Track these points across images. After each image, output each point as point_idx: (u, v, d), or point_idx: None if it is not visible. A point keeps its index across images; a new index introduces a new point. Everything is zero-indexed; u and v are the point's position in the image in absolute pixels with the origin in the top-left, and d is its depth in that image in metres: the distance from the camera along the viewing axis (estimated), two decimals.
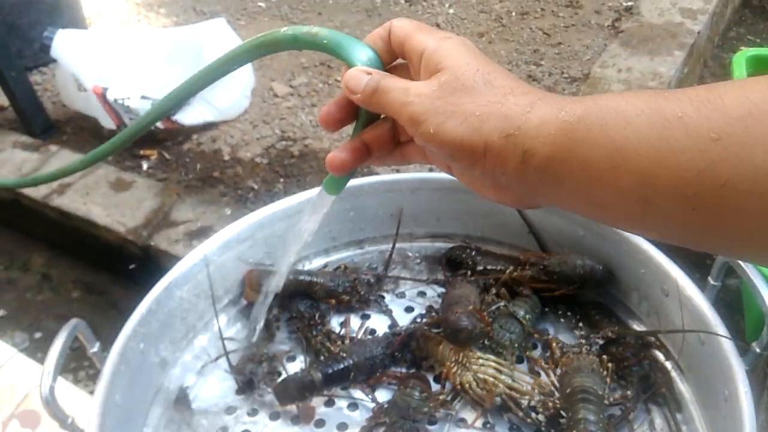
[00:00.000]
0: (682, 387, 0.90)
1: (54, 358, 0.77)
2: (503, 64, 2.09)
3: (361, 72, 0.54)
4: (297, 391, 0.94)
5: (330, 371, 0.96)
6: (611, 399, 0.86)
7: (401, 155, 0.60)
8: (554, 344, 0.94)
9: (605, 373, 0.88)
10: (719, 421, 0.80)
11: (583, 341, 0.93)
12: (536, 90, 0.50)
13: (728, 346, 0.78)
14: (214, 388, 1.01)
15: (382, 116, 0.59)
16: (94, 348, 0.89)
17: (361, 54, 0.55)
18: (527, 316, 0.98)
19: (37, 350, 1.67)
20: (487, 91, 0.49)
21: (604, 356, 0.90)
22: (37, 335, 1.75)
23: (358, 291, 1.07)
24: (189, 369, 1.03)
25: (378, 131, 0.57)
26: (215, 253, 1.06)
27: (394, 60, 0.58)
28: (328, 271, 1.13)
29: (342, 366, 0.96)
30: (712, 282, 0.87)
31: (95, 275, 1.84)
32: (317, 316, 1.05)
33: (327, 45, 0.58)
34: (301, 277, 1.08)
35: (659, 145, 0.41)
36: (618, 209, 0.45)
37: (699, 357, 0.86)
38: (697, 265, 0.92)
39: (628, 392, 0.88)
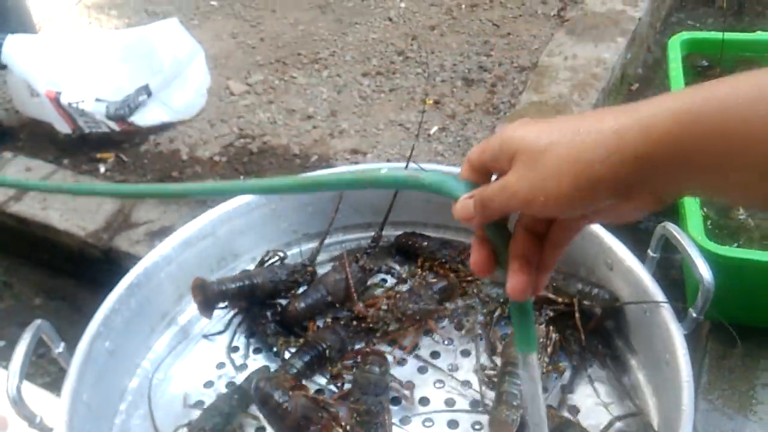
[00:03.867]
0: (629, 355, 0.95)
1: (20, 359, 0.78)
2: (455, 56, 2.12)
3: (464, 200, 0.57)
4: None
5: (308, 358, 0.98)
6: (547, 368, 0.91)
7: (556, 240, 0.58)
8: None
9: (547, 341, 0.92)
10: (661, 384, 0.85)
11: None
12: (605, 109, 0.51)
13: (668, 314, 0.83)
14: (180, 384, 1.02)
15: (507, 224, 0.59)
16: (60, 348, 0.89)
17: (460, 186, 0.58)
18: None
19: (0, 359, 1.65)
20: (562, 139, 0.50)
21: (551, 327, 0.95)
22: (1, 344, 1.73)
23: (297, 280, 1.09)
24: (156, 365, 1.04)
25: (518, 241, 0.56)
26: (176, 251, 1.07)
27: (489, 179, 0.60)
28: (266, 268, 1.12)
29: (318, 350, 0.99)
30: (651, 254, 0.92)
31: (57, 280, 1.81)
32: (270, 314, 1.07)
33: (429, 186, 0.60)
34: (240, 284, 1.07)
35: None
36: (743, 194, 0.47)
37: (642, 325, 0.91)
38: (636, 240, 0.97)
39: (573, 360, 0.94)
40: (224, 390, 1.01)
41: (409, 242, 1.16)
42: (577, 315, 0.94)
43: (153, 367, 1.04)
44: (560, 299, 0.96)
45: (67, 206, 1.62)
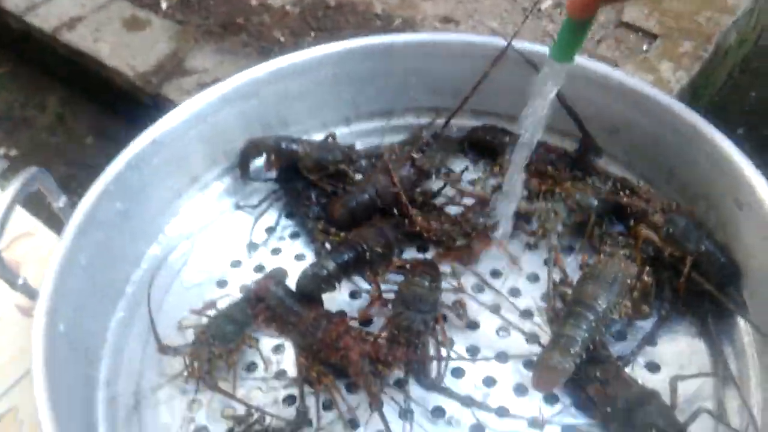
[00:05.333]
0: (739, 316, 0.78)
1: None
2: None
3: None
4: (316, 288, 0.85)
5: (343, 259, 0.86)
6: (622, 314, 0.77)
7: None
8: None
9: (634, 284, 0.78)
10: None
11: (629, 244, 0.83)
12: None
13: None
14: (207, 260, 0.94)
15: None
16: (60, 203, 0.81)
17: None
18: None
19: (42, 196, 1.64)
20: None
21: (648, 268, 0.79)
22: None
23: (352, 160, 0.96)
24: (181, 234, 0.95)
25: None
26: (211, 108, 0.95)
27: None
28: (317, 141, 1.01)
29: (357, 251, 0.87)
30: None
31: (110, 121, 1.77)
32: (314, 196, 0.95)
33: None
34: (284, 146, 0.97)
35: None
36: None
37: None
38: None
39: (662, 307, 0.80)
40: (252, 274, 0.92)
41: (486, 137, 0.99)
42: (682, 279, 0.79)
43: (178, 235, 0.95)
44: (671, 251, 0.79)
45: (120, 41, 1.53)
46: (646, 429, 0.68)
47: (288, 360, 0.82)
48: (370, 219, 0.92)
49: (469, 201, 0.94)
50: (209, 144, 0.97)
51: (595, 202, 0.87)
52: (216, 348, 0.77)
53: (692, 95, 1.46)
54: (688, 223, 0.80)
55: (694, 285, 0.79)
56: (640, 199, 0.84)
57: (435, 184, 0.97)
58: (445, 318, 0.83)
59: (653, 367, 0.78)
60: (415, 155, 0.94)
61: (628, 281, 0.78)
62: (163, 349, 0.79)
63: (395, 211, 0.91)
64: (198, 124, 0.94)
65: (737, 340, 0.78)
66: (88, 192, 0.81)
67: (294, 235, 0.97)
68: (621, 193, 0.87)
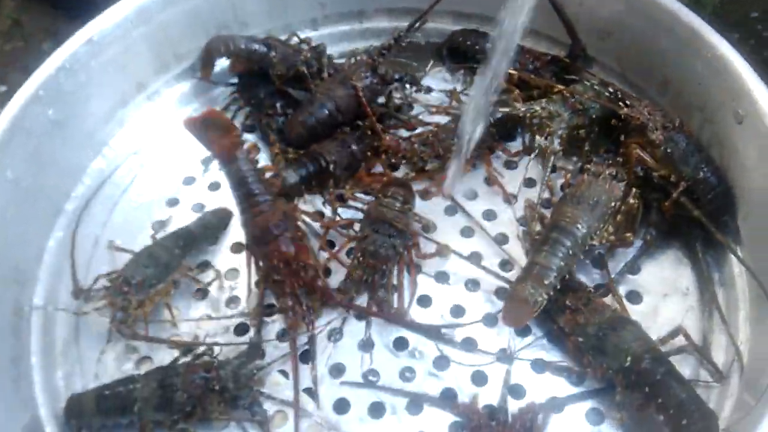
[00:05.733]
0: (730, 247, 0.72)
1: None
2: None
3: None
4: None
5: (304, 172, 0.81)
6: (603, 239, 0.72)
7: None
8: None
9: (619, 206, 0.72)
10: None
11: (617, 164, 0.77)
12: None
13: None
14: (157, 176, 0.86)
15: None
16: None
17: None
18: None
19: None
20: None
21: (635, 190, 0.74)
22: (2, 89, 1.62)
23: (320, 67, 0.88)
24: (129, 148, 0.88)
25: None
26: (159, 3, 0.86)
27: None
28: (292, 45, 0.92)
29: (319, 164, 0.81)
30: None
31: (68, 26, 1.65)
32: (279, 106, 0.88)
33: None
34: (257, 47, 0.88)
35: None
36: None
37: (760, 216, 0.68)
38: None
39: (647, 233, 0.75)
40: (207, 192, 0.85)
41: (467, 42, 0.91)
42: (668, 203, 0.74)
43: (124, 149, 0.88)
44: (663, 173, 0.73)
45: None
46: (620, 355, 0.63)
47: (242, 286, 0.76)
48: (331, 136, 0.85)
49: (443, 119, 0.87)
50: (157, 46, 0.88)
51: (596, 105, 0.80)
52: (132, 296, 0.69)
53: (695, 1, 1.36)
54: (689, 144, 0.74)
55: (684, 210, 0.73)
56: (640, 112, 0.76)
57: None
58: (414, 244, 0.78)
59: (635, 297, 0.74)
60: (376, 61, 0.86)
61: (612, 204, 0.72)
62: (77, 294, 0.73)
63: (359, 125, 0.85)
64: (142, 23, 0.85)
65: (727, 270, 0.74)
66: (13, 98, 0.74)
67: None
68: (620, 103, 0.79)
